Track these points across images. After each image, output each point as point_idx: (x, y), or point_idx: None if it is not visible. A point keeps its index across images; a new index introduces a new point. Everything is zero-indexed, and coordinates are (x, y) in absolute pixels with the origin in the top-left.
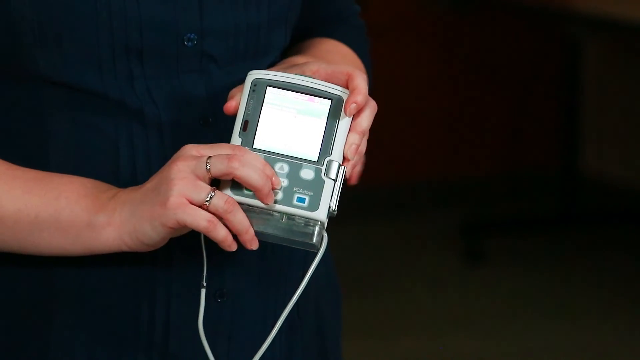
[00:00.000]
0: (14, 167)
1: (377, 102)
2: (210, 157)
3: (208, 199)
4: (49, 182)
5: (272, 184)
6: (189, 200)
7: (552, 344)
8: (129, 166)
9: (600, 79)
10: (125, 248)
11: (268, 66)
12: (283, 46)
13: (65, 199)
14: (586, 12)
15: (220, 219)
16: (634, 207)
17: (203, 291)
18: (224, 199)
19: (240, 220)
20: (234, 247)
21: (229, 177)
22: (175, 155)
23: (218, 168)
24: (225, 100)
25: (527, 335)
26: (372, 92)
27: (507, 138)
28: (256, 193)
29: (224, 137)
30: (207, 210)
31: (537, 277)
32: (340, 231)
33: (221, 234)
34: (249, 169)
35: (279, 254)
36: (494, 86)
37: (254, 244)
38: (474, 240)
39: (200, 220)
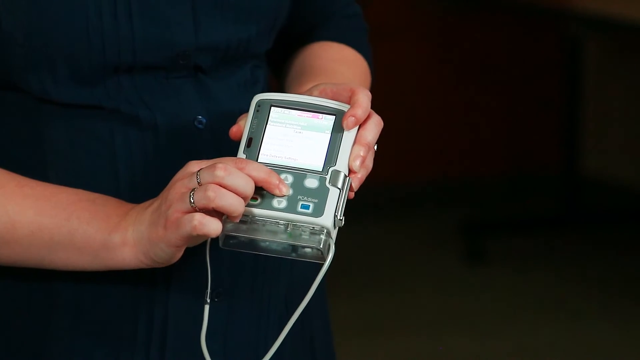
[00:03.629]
0: (22, 182)
1: (376, 102)
2: (201, 169)
3: (192, 200)
4: (58, 201)
5: (278, 188)
6: (182, 213)
7: (552, 343)
8: (127, 170)
9: (600, 79)
10: (143, 265)
11: (251, 68)
12: (267, 49)
13: (77, 219)
14: (586, 12)
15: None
16: (634, 207)
17: (207, 307)
18: (202, 189)
19: (232, 202)
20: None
21: (217, 185)
22: (177, 174)
23: (205, 179)
24: (216, 104)
25: (527, 335)
26: (372, 91)
27: (507, 138)
28: (263, 185)
29: (221, 139)
30: (197, 210)
31: (537, 277)
32: (340, 231)
33: (212, 228)
34: (234, 178)
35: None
36: (494, 86)
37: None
38: (474, 240)
39: (187, 225)
